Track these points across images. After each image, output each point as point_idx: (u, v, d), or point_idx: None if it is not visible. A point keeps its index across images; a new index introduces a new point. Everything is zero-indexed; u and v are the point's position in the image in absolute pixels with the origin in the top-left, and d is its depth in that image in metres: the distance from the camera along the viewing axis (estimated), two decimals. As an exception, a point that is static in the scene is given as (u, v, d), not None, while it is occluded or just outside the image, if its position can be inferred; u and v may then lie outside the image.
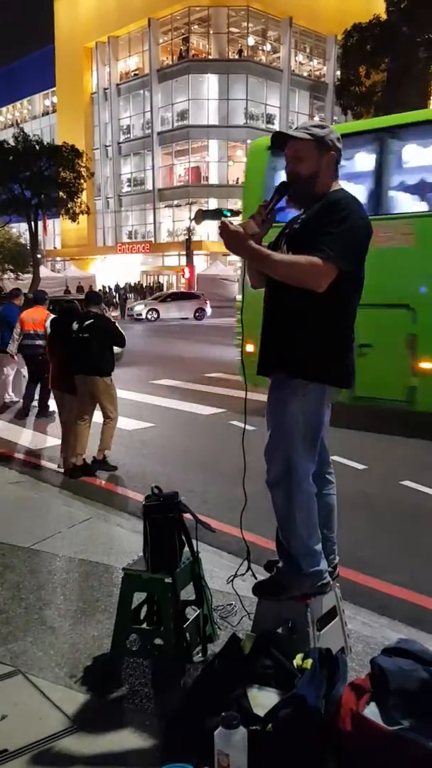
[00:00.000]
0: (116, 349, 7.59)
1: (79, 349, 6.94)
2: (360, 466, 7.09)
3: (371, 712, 2.40)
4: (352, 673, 3.06)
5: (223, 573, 4.13)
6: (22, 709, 2.84)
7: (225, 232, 2.83)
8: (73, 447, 7.02)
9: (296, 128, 2.99)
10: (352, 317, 2.99)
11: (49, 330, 9.48)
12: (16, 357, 10.39)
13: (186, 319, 34.44)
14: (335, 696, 2.49)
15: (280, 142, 2.98)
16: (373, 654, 3.26)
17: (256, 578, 3.31)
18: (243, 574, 3.43)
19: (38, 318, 10.26)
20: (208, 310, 35.59)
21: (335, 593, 3.17)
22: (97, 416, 7.18)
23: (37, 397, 10.18)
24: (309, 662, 2.61)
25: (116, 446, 7.65)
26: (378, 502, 6.12)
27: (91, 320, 7.07)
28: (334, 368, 2.92)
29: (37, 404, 10.23)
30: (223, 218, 3.11)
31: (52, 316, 10.05)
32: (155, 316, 34.36)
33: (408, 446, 8.22)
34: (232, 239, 2.83)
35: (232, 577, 3.57)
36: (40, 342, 9.94)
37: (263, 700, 2.59)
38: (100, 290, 41.91)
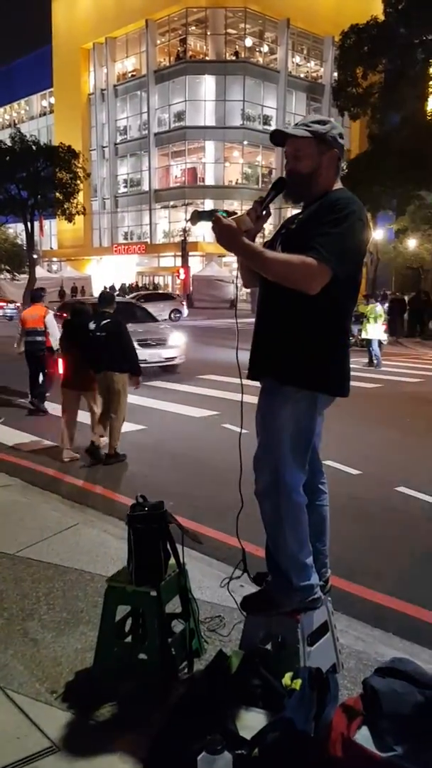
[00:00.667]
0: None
1: (98, 347, 7.31)
2: (354, 471, 6.98)
3: (363, 736, 2.28)
4: (344, 691, 2.94)
5: (212, 582, 4.01)
6: (-1, 728, 2.72)
7: (217, 225, 2.70)
8: (103, 437, 7.52)
9: (296, 124, 2.87)
10: (346, 322, 2.88)
11: (50, 327, 10.35)
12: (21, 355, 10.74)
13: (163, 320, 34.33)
14: (325, 719, 2.37)
15: (279, 139, 2.86)
16: (365, 670, 3.16)
17: (251, 577, 3.17)
18: (238, 577, 3.26)
19: (37, 315, 10.60)
20: (185, 312, 35.61)
21: (327, 608, 3.05)
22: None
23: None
24: (298, 682, 2.49)
25: (107, 449, 7.61)
26: (372, 508, 6.01)
27: (108, 320, 7.46)
28: (327, 375, 2.79)
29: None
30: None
31: (51, 312, 10.63)
32: None
33: (403, 451, 8.13)
34: (224, 234, 2.70)
35: (227, 580, 3.37)
36: (40, 338, 10.47)
37: (250, 721, 2.48)
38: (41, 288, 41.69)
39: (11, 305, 39.16)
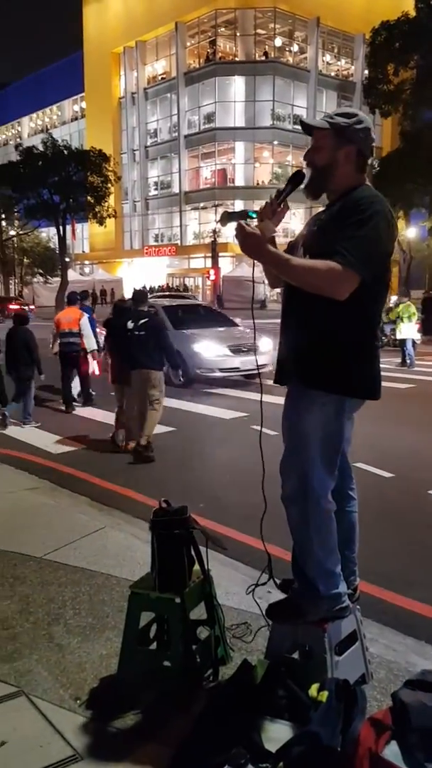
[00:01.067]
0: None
1: (136, 345, 7.57)
2: (385, 474, 6.86)
3: (392, 752, 2.20)
4: (374, 703, 2.87)
5: (238, 588, 3.95)
6: (23, 735, 2.69)
7: (241, 233, 2.64)
8: (135, 431, 7.83)
9: (324, 116, 2.81)
10: (375, 322, 2.78)
11: (84, 329, 10.69)
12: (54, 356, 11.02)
13: None
14: (353, 733, 2.29)
15: (307, 130, 2.81)
16: (396, 681, 3.07)
17: (276, 584, 3.10)
18: (264, 583, 3.18)
19: (72, 318, 10.86)
20: None
21: (355, 616, 2.97)
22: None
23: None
24: (325, 694, 2.42)
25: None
26: (404, 512, 5.89)
27: (146, 319, 7.72)
28: (355, 378, 2.70)
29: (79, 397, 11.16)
30: (248, 219, 2.90)
31: (86, 315, 10.87)
32: None
33: (436, 453, 7.98)
34: (248, 241, 2.63)
35: (252, 587, 3.30)
36: (74, 340, 10.74)
37: (275, 733, 2.41)
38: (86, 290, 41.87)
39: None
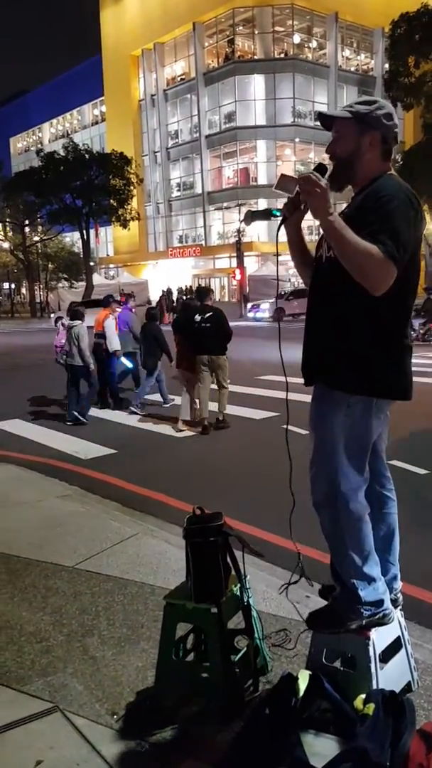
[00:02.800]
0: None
1: (204, 335, 8.88)
2: (421, 471, 6.71)
3: (445, 767, 2.10)
4: (421, 712, 2.75)
5: (276, 594, 3.85)
6: (59, 754, 2.62)
7: (313, 184, 2.42)
8: (200, 410, 9.17)
9: (344, 107, 2.71)
10: (404, 319, 2.65)
11: (107, 330, 10.96)
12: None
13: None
14: (402, 748, 2.19)
15: (327, 123, 2.71)
16: (443, 688, 2.96)
17: (311, 584, 2.99)
18: (296, 582, 3.08)
19: (100, 319, 11.10)
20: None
21: (399, 622, 2.86)
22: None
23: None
24: (371, 707, 2.31)
25: (167, 454, 7.57)
26: (442, 510, 5.75)
27: (211, 313, 8.93)
28: (382, 378, 2.58)
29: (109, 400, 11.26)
30: (272, 218, 2.82)
31: (112, 317, 11.07)
32: None
33: (472, 448, 7.80)
34: (319, 194, 2.41)
35: (285, 586, 3.18)
36: (99, 341, 11.01)
37: (320, 748, 2.32)
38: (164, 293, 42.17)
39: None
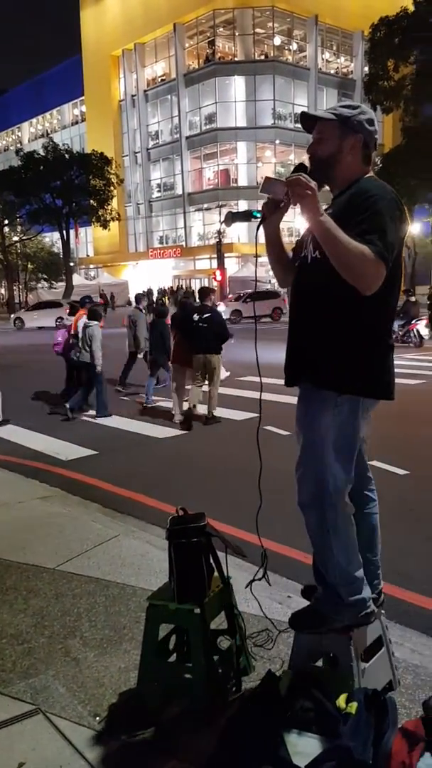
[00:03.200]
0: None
1: (201, 335, 9.25)
2: (401, 471, 6.76)
3: (426, 765, 2.12)
4: (402, 710, 2.78)
5: (258, 594, 3.86)
6: (42, 756, 2.61)
7: (301, 185, 2.43)
8: (186, 402, 9.73)
9: (327, 109, 2.73)
10: (388, 319, 2.68)
11: (80, 331, 10.66)
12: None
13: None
14: (384, 746, 2.20)
15: (308, 124, 2.72)
16: (424, 686, 3.00)
17: (270, 584, 3.02)
18: (260, 579, 3.14)
19: (75, 319, 11.11)
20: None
21: (380, 621, 2.88)
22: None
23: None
24: (354, 706, 2.33)
25: (148, 454, 7.56)
26: (421, 509, 5.79)
27: (209, 314, 9.32)
28: (369, 377, 2.60)
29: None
30: (252, 219, 2.83)
31: (96, 325, 10.56)
32: None
33: (451, 449, 7.88)
34: (307, 193, 2.43)
35: (249, 583, 3.24)
36: (73, 341, 10.91)
37: (303, 747, 2.32)
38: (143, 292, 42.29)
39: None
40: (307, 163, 2.71)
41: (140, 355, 12.80)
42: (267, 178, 2.61)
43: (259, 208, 2.75)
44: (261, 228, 2.78)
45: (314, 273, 2.61)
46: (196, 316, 9.34)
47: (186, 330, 9.54)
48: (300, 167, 2.62)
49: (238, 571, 3.99)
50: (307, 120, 2.72)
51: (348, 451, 2.66)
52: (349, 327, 2.56)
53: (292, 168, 2.61)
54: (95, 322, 10.34)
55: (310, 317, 2.65)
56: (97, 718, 2.84)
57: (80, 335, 10.50)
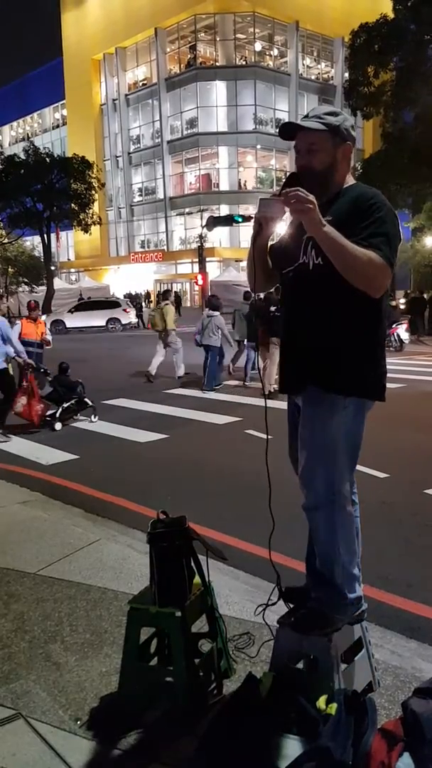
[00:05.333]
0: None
1: (276, 322, 10.58)
2: (380, 475, 6.81)
3: (405, 764, 2.14)
4: (382, 711, 2.80)
5: (239, 598, 3.89)
6: (22, 761, 2.60)
7: (300, 199, 2.43)
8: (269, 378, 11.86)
9: (307, 116, 2.70)
10: (384, 321, 2.75)
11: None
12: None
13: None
14: (364, 746, 2.23)
15: (290, 133, 2.69)
16: (403, 687, 3.02)
17: (288, 607, 3.01)
18: (274, 603, 3.05)
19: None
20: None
21: (361, 624, 2.90)
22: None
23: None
24: (333, 707, 2.35)
25: (129, 459, 7.56)
26: (401, 512, 5.84)
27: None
28: (373, 379, 2.68)
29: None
30: (234, 224, 2.83)
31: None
32: None
33: (431, 453, 7.94)
34: (306, 206, 2.43)
35: (263, 607, 3.13)
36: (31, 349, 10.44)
37: (284, 749, 2.34)
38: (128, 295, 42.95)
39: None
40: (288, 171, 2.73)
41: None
42: (262, 200, 2.59)
43: (241, 213, 2.77)
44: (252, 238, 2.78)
45: (318, 279, 2.61)
46: (273, 308, 11.67)
47: (265, 319, 11.84)
48: (293, 177, 2.63)
49: (218, 574, 4.01)
50: (292, 131, 2.68)
51: (354, 451, 2.74)
52: (356, 331, 2.62)
53: (273, 173, 2.62)
54: (217, 312, 13.26)
55: (317, 324, 2.65)
56: (78, 722, 2.83)
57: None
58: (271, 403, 2.96)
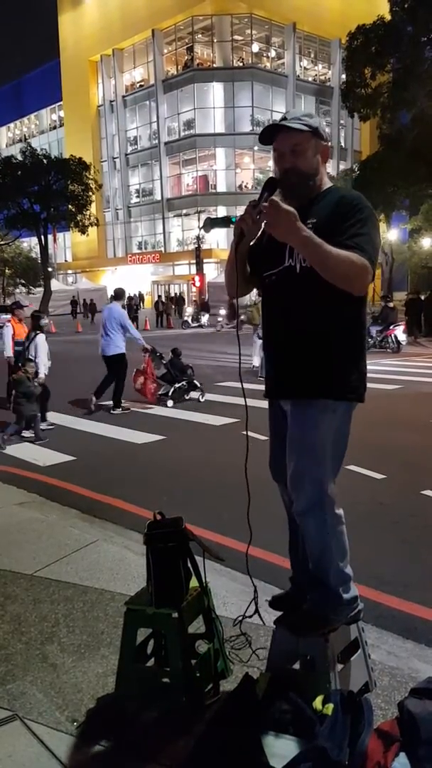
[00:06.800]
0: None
1: None
2: (378, 476, 6.81)
3: (401, 764, 2.14)
4: (379, 712, 2.81)
5: (235, 599, 3.89)
6: (18, 762, 2.60)
7: (276, 210, 2.45)
8: None
9: (284, 119, 2.68)
10: (365, 323, 2.77)
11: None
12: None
13: None
14: (360, 747, 2.23)
15: (272, 135, 2.68)
16: (400, 688, 3.02)
17: (263, 623, 3.08)
18: (250, 616, 3.19)
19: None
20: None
21: (357, 624, 2.91)
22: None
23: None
24: (330, 707, 2.35)
25: (126, 460, 7.55)
26: (397, 513, 5.84)
27: None
28: (358, 382, 2.70)
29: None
30: (231, 225, 2.83)
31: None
32: None
33: (427, 453, 7.94)
34: (284, 219, 2.45)
35: (240, 618, 3.33)
36: (19, 349, 10.46)
37: (280, 749, 2.34)
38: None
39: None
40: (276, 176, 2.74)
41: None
42: (252, 203, 2.58)
43: (238, 214, 2.79)
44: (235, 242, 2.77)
45: (306, 282, 2.60)
46: None
47: None
48: (272, 182, 2.63)
49: (215, 575, 4.01)
50: (277, 131, 2.67)
51: (341, 454, 2.76)
52: (344, 333, 2.65)
53: (269, 174, 2.62)
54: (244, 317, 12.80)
55: (305, 327, 2.65)
56: (75, 724, 2.83)
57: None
58: (259, 403, 2.96)
